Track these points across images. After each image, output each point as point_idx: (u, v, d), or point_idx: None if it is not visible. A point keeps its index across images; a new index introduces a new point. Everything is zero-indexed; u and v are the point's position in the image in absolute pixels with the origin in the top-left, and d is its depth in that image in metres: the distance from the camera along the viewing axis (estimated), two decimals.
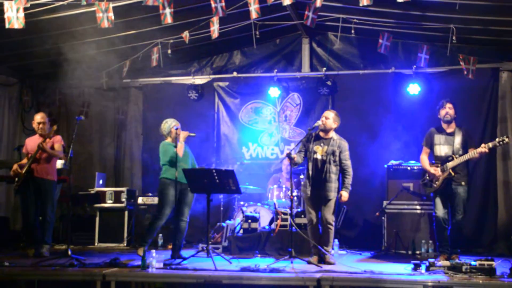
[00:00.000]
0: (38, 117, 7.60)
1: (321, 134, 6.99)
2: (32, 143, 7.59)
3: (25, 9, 6.82)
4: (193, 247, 8.42)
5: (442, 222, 6.87)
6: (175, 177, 6.99)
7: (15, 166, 7.52)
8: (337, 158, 6.86)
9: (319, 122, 6.92)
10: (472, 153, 6.75)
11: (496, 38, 8.46)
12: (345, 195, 6.85)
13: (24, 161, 7.61)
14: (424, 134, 7.33)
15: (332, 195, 6.80)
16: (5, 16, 6.81)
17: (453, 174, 6.84)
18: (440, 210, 6.91)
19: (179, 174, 7.02)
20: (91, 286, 5.87)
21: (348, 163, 6.92)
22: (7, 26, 6.85)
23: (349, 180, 6.89)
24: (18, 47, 8.72)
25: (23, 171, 7.41)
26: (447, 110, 6.99)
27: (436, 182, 6.96)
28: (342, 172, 6.91)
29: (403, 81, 9.28)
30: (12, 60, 9.60)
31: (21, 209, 7.64)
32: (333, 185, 6.82)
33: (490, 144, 6.67)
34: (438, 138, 7.05)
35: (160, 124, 7.48)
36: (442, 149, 7.00)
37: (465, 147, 6.90)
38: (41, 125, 7.53)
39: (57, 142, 7.60)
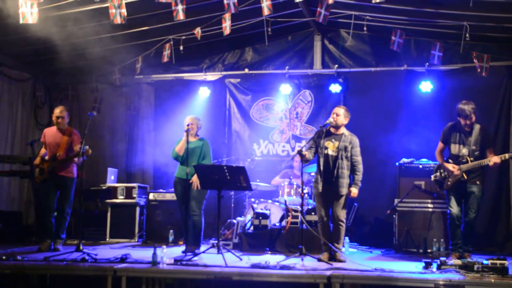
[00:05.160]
0: (57, 111, 7.69)
1: (332, 130, 6.97)
2: (51, 136, 7.68)
3: (39, 4, 6.89)
4: (204, 243, 8.43)
5: (456, 219, 6.81)
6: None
7: (38, 160, 7.62)
8: (349, 154, 6.83)
9: (330, 120, 6.89)
10: (487, 160, 6.62)
11: (510, 36, 8.38)
12: (354, 191, 6.82)
13: (42, 151, 7.71)
14: (437, 132, 7.27)
15: (344, 191, 6.78)
16: (20, 11, 6.88)
17: (465, 177, 6.76)
18: (454, 208, 6.85)
19: (183, 171, 7.18)
20: (102, 281, 5.92)
21: (359, 159, 6.89)
22: (21, 21, 6.93)
23: (359, 176, 6.86)
24: (31, 43, 8.77)
25: (46, 171, 7.50)
26: (467, 122, 6.78)
27: (449, 182, 6.91)
28: (352, 168, 6.88)
29: (416, 78, 9.23)
30: (25, 56, 9.67)
31: (39, 204, 7.72)
32: (345, 181, 6.79)
33: (507, 156, 6.59)
34: (455, 135, 6.91)
35: (184, 119, 7.58)
36: (457, 148, 6.88)
37: (482, 147, 6.77)
38: (59, 120, 7.62)
39: (76, 142, 7.66)
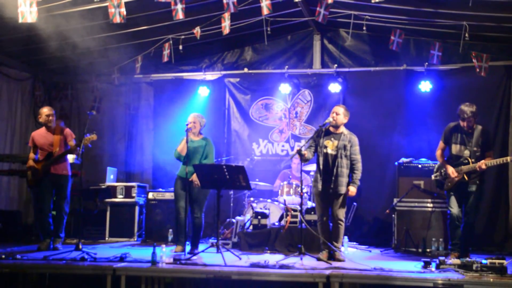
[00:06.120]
0: (46, 110, 7.68)
1: (331, 129, 6.97)
2: (41, 137, 7.65)
3: (38, 3, 6.89)
4: (203, 243, 8.43)
5: (456, 219, 6.80)
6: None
7: (31, 162, 7.60)
8: (348, 153, 6.83)
9: (330, 119, 6.90)
10: (481, 164, 6.59)
11: (509, 35, 8.39)
12: (352, 190, 6.82)
13: (31, 155, 7.68)
14: (436, 132, 7.28)
15: (343, 190, 6.78)
16: (19, 10, 6.87)
17: (466, 178, 6.74)
18: (454, 208, 6.83)
19: (185, 170, 7.15)
20: (101, 280, 5.92)
21: (358, 157, 6.89)
22: (20, 20, 6.93)
23: (357, 175, 6.86)
24: (30, 42, 8.77)
25: (41, 171, 7.49)
26: (464, 125, 6.77)
27: (449, 183, 6.91)
28: (351, 166, 6.88)
29: (415, 78, 9.24)
30: (24, 55, 9.67)
31: (36, 203, 7.71)
32: (344, 179, 6.79)
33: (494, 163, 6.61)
34: (456, 136, 6.88)
35: (187, 117, 7.57)
36: (458, 148, 6.86)
37: (482, 148, 6.75)
38: (50, 118, 7.61)
39: (70, 137, 7.69)
